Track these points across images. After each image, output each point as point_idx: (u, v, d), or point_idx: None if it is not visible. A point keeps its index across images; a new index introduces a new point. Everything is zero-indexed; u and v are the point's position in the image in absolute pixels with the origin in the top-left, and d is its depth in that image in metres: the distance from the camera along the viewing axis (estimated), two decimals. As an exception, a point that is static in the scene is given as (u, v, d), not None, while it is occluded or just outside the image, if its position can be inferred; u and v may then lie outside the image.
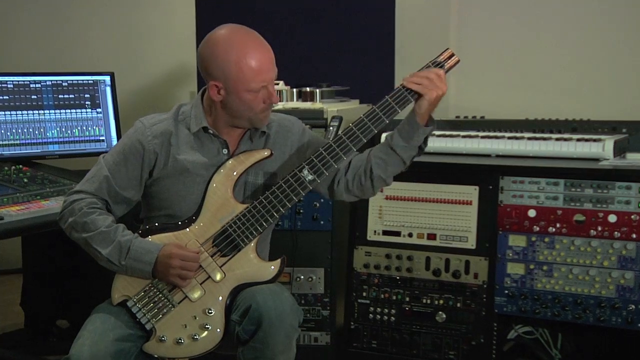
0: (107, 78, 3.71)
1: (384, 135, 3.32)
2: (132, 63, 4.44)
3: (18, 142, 3.48)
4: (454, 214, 3.25)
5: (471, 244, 3.23)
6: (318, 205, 3.38)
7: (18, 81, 3.49)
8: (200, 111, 2.47)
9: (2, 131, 3.45)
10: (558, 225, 3.10)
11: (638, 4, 3.69)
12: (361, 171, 2.52)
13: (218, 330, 2.40)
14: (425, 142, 2.46)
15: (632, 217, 2.98)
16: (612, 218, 3.01)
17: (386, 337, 3.36)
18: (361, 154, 2.56)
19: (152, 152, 2.45)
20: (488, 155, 3.31)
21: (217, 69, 2.36)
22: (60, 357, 2.34)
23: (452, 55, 2.41)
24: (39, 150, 3.52)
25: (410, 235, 3.32)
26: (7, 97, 3.47)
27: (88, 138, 3.64)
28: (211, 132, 2.46)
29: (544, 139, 3.26)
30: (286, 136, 2.60)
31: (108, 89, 3.70)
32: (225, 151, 2.49)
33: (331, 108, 3.51)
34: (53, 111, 3.56)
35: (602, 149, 3.12)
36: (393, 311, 3.35)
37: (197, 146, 2.47)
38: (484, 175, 3.21)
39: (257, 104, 2.40)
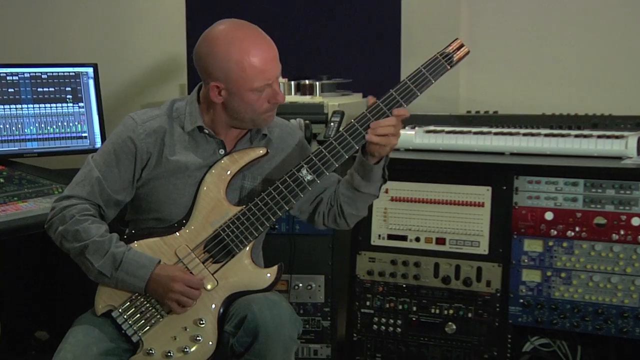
0: (90, 70, 3.71)
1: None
2: (117, 53, 4.43)
3: (-6, 139, 3.49)
4: (464, 217, 3.26)
5: (483, 249, 3.24)
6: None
7: (-7, 73, 3.50)
8: (195, 109, 2.48)
9: (-24, 127, 3.47)
10: (577, 228, 3.11)
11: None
12: (335, 208, 2.59)
13: (210, 343, 2.41)
14: (384, 171, 2.51)
15: (658, 220, 3.00)
16: (635, 221, 3.02)
17: (391, 350, 3.37)
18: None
19: (145, 151, 2.45)
20: (502, 154, 3.32)
21: (217, 69, 2.36)
22: (39, 371, 2.35)
23: (462, 45, 2.43)
24: (17, 148, 3.52)
25: (417, 239, 3.33)
26: (-18, 91, 3.48)
27: (69, 135, 3.64)
28: (207, 132, 2.47)
29: (562, 135, 3.27)
30: (288, 143, 2.61)
31: (91, 82, 3.70)
32: (221, 151, 2.49)
33: (332, 102, 3.52)
34: (31, 105, 3.56)
35: (625, 146, 3.13)
36: (399, 322, 3.36)
37: (191, 146, 2.48)
38: (497, 175, 3.22)
39: (261, 104, 2.41)
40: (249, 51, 2.34)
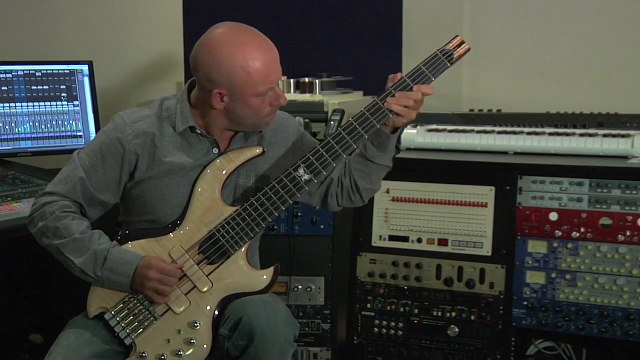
0: (85, 67, 3.71)
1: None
2: (113, 51, 4.43)
3: (-13, 138, 3.49)
4: (467, 218, 3.26)
5: (487, 250, 3.24)
6: (318, 208, 3.38)
7: (-13, 71, 3.50)
8: (187, 108, 2.47)
9: (-31, 126, 3.47)
10: (582, 229, 3.10)
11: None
12: (347, 185, 2.60)
13: (205, 346, 2.41)
14: (399, 141, 2.52)
15: (664, 221, 2.99)
16: (642, 222, 3.02)
17: (393, 354, 3.37)
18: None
19: (133, 152, 2.45)
20: (505, 153, 3.32)
21: (221, 75, 2.35)
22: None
23: (462, 43, 2.43)
24: (10, 148, 3.53)
25: (419, 240, 3.33)
26: (-25, 89, 3.49)
27: (64, 134, 3.64)
28: (199, 132, 2.47)
29: (567, 134, 3.27)
30: (282, 136, 2.61)
31: (86, 80, 3.70)
32: (215, 151, 2.49)
33: (332, 100, 3.51)
34: (25, 104, 3.56)
35: (631, 145, 3.13)
36: (400, 325, 3.36)
37: (184, 147, 2.48)
38: (501, 174, 3.22)
39: (264, 108, 2.41)
40: (254, 56, 2.34)
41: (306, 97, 3.62)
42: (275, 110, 2.47)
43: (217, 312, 2.42)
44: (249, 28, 2.42)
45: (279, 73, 2.43)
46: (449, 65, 2.41)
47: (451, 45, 2.42)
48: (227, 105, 2.40)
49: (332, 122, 3.37)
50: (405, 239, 3.35)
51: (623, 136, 3.17)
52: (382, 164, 2.53)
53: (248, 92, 2.36)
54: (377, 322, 3.39)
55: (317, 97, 3.60)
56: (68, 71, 3.66)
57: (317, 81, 3.69)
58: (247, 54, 2.34)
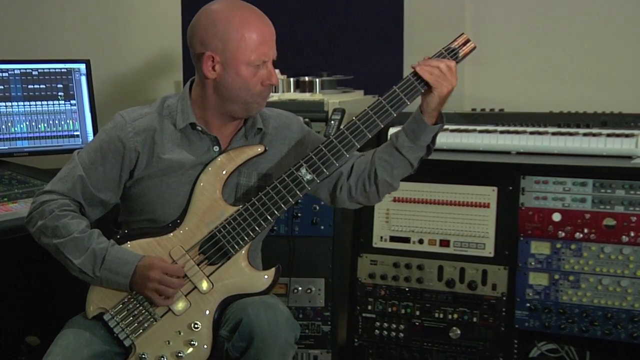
0: (83, 66, 3.70)
1: (391, 130, 3.32)
2: (111, 49, 4.43)
3: (-18, 137, 3.48)
4: (469, 218, 3.26)
5: (489, 251, 3.23)
6: (318, 208, 3.39)
7: (-18, 70, 3.50)
8: (187, 105, 2.47)
9: (-35, 126, 3.46)
10: (586, 230, 3.10)
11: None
12: (365, 175, 2.55)
13: (205, 346, 2.40)
14: (433, 141, 2.48)
15: (669, 221, 2.99)
16: (646, 222, 3.02)
17: (394, 356, 3.37)
18: (364, 157, 2.58)
19: (134, 150, 2.44)
20: (508, 153, 3.32)
21: (215, 38, 2.36)
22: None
23: (468, 41, 2.42)
24: (6, 147, 3.52)
25: (420, 241, 3.33)
26: (-29, 88, 3.48)
27: (61, 133, 3.63)
28: (199, 128, 2.46)
29: (570, 134, 3.27)
30: (284, 134, 2.60)
31: (83, 79, 3.70)
32: (216, 148, 2.48)
33: (332, 100, 3.51)
34: (22, 103, 3.55)
35: (635, 145, 3.13)
36: (401, 326, 3.35)
37: (184, 144, 2.47)
38: (503, 174, 3.22)
39: (255, 83, 2.40)
40: (250, 23, 2.37)
41: (306, 96, 3.62)
42: (267, 92, 2.46)
43: (217, 313, 2.41)
44: (250, 4, 2.44)
45: (274, 50, 2.43)
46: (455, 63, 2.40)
47: (456, 43, 2.42)
48: (219, 76, 2.39)
49: (332, 122, 3.37)
50: (406, 240, 3.35)
51: (627, 135, 3.17)
52: (407, 158, 2.48)
53: (240, 59, 2.37)
54: (377, 323, 3.39)
55: (317, 96, 3.59)
56: (65, 70, 3.65)
57: (317, 80, 3.69)
58: (245, 21, 2.37)
